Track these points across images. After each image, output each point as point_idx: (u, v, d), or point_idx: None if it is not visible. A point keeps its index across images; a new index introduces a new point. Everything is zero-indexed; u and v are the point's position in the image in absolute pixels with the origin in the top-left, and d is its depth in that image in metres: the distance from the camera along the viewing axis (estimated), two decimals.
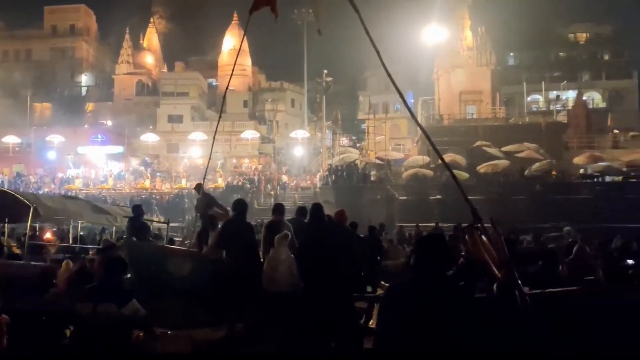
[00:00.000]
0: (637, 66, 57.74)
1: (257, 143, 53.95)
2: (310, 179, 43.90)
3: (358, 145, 52.28)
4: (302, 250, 8.11)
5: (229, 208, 10.01)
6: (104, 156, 52.33)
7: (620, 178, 34.15)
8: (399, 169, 38.17)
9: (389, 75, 5.58)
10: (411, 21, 49.10)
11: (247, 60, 60.90)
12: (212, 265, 8.32)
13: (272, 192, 38.46)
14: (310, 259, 7.80)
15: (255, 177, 42.12)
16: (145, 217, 13.49)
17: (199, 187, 12.92)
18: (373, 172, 35.95)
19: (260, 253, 8.54)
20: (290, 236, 8.22)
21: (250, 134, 53.27)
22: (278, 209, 9.03)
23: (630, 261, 10.44)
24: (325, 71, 51.89)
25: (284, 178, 43.79)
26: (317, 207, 8.64)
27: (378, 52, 5.66)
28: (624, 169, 34.62)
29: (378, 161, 38.80)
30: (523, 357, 3.89)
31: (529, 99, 54.60)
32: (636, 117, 52.82)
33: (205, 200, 11.88)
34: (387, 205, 31.15)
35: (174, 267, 8.20)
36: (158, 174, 47.79)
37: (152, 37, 67.80)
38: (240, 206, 8.38)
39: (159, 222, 18.65)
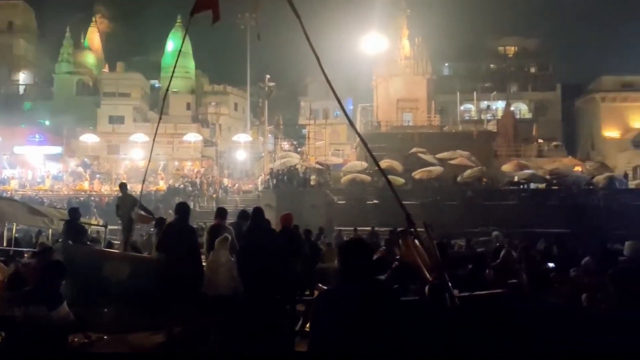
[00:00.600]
0: (560, 79, 59.80)
1: (200, 146, 53.20)
2: (252, 182, 43.69)
3: (299, 150, 52.34)
4: (243, 253, 8.06)
5: (171, 211, 9.83)
6: (42, 156, 50.33)
7: (543, 185, 35.26)
8: (338, 174, 38.38)
9: (328, 81, 5.59)
10: (352, 29, 49.72)
11: (190, 63, 60.09)
12: (152, 269, 8.14)
13: (214, 195, 38.03)
14: (250, 262, 7.76)
15: (198, 180, 41.56)
16: (83, 219, 13.11)
17: (124, 187, 12.58)
18: (313, 177, 36.06)
19: (203, 257, 8.45)
20: (230, 239, 8.15)
21: (193, 137, 52.48)
22: (220, 212, 8.97)
23: (551, 264, 10.86)
24: (268, 76, 51.87)
25: (226, 181, 43.42)
26: (257, 211, 8.60)
27: (318, 58, 5.66)
28: (547, 177, 35.86)
29: (318, 166, 38.96)
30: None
31: (462, 108, 55.86)
32: (558, 128, 55.06)
33: (129, 202, 11.62)
34: (327, 209, 31.29)
35: (111, 271, 7.99)
36: (97, 175, 46.44)
37: (93, 37, 65.86)
38: (183, 209, 8.27)
39: (97, 225, 18.09)
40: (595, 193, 32.64)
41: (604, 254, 12.54)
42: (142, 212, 11.21)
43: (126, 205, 11.55)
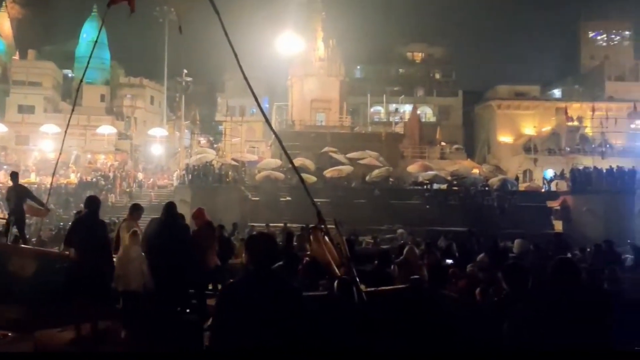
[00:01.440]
0: (461, 86, 61.41)
1: (114, 139, 51.06)
2: (167, 177, 42.58)
3: (215, 146, 51.53)
4: (154, 249, 7.87)
5: (82, 205, 9.42)
6: None
7: (445, 186, 36.12)
8: (253, 171, 38.11)
9: (245, 78, 5.55)
10: (269, 28, 49.42)
11: (106, 54, 57.60)
12: (60, 264, 7.80)
13: (128, 190, 36.78)
14: (161, 257, 7.60)
15: (111, 174, 39.99)
16: None
17: (14, 176, 11.77)
18: (229, 173, 35.59)
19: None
20: (139, 234, 7.96)
21: (107, 129, 50.30)
22: (135, 208, 8.76)
23: (449, 261, 11.34)
24: (185, 71, 50.73)
25: (140, 176, 42.06)
26: (170, 206, 8.43)
27: (236, 55, 5.61)
28: (449, 178, 36.74)
29: (234, 162, 38.47)
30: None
31: (372, 110, 56.61)
32: (459, 132, 57.16)
33: (19, 192, 10.99)
34: (241, 205, 30.99)
35: (17, 266, 7.59)
36: (5, 167, 43.64)
37: (4, 22, 61.71)
38: (92, 203, 7.94)
39: (3, 218, 17.03)
40: (490, 194, 33.78)
41: (495, 251, 13.27)
42: (34, 204, 10.61)
43: (16, 196, 10.85)
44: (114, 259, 7.86)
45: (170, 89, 55.82)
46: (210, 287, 9.16)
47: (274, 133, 6.92)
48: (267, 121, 7.15)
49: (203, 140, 54.10)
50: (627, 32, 68.90)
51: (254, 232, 18.43)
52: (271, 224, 22.03)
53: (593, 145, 47.70)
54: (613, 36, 69.33)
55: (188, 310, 7.70)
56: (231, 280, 3.87)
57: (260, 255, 3.48)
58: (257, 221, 24.42)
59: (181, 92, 51.65)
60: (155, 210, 9.42)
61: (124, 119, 54.44)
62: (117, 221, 13.43)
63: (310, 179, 31.15)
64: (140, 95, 57.07)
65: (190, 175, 34.53)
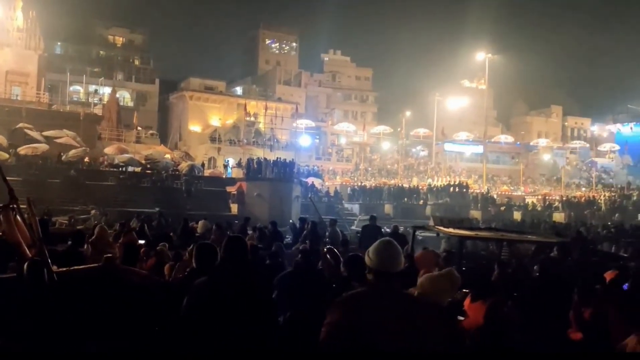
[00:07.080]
0: (158, 75, 61.77)
1: None
2: None
3: None
4: None
5: None
6: None
7: (139, 169, 35.94)
8: None
9: None
10: None
11: None
12: None
13: None
14: None
15: None
16: None
17: None
18: None
19: None
20: None
21: None
22: None
23: (142, 241, 12.19)
24: None
25: None
26: None
27: None
28: (143, 162, 36.67)
29: None
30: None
31: (71, 89, 53.06)
32: (155, 118, 57.54)
33: None
34: None
35: None
36: None
37: None
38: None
39: None
40: (179, 178, 34.74)
41: (184, 230, 14.78)
42: None
43: None
44: None
45: None
46: None
47: None
48: None
49: None
50: (294, 44, 77.94)
51: None
52: None
53: (264, 139, 52.46)
54: (284, 45, 77.46)
55: None
56: None
57: None
58: None
59: None
60: None
61: None
62: None
63: (2, 155, 28.92)
64: None
65: None
